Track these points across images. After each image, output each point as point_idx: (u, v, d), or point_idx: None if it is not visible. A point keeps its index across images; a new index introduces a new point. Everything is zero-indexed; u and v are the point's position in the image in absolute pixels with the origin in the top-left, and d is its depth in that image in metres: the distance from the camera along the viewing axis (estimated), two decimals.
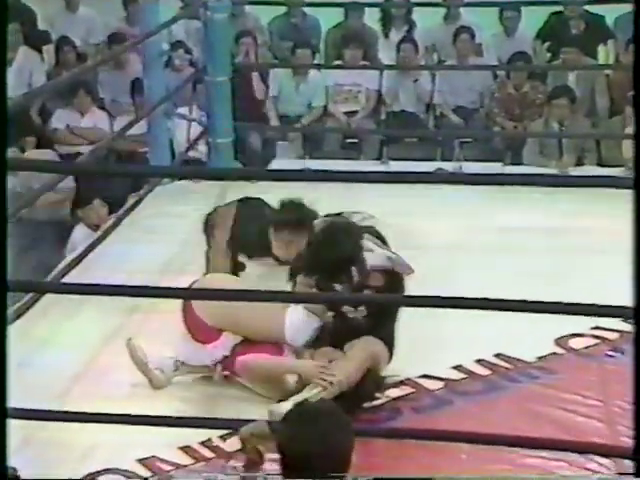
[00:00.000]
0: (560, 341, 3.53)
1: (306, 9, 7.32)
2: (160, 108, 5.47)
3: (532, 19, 6.97)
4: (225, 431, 2.94)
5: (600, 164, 5.97)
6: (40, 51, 7.16)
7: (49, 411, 2.84)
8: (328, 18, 7.40)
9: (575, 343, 3.52)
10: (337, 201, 4.09)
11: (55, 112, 6.59)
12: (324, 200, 3.85)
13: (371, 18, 7.31)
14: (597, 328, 3.56)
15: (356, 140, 6.73)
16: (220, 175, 3.99)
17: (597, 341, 3.54)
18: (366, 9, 7.21)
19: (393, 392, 3.24)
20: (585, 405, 3.17)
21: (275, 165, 5.89)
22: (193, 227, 4.83)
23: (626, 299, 2.40)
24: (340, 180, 3.31)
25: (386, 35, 7.23)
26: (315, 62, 7.00)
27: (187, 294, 3.16)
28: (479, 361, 3.42)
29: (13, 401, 2.72)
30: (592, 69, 6.59)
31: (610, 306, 2.93)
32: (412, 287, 3.32)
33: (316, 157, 6.19)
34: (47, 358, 3.49)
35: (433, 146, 6.57)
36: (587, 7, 6.81)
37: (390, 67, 6.80)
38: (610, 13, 7.03)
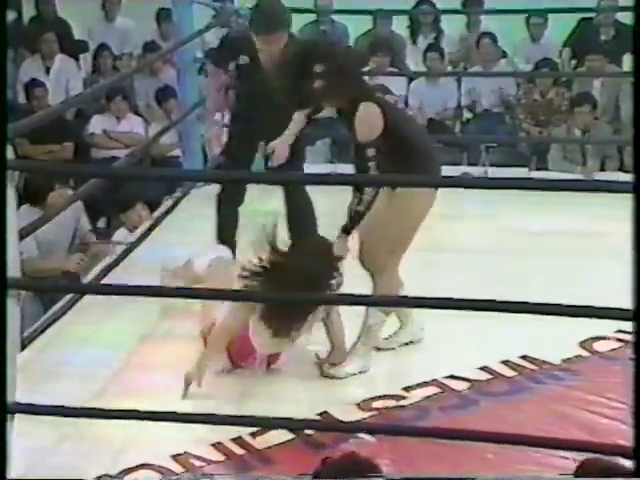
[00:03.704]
0: (585, 344, 3.51)
1: (335, 17, 7.35)
2: (194, 113, 5.51)
3: (559, 26, 6.94)
4: (255, 429, 2.95)
5: (622, 169, 5.92)
6: (77, 59, 7.24)
7: (84, 408, 2.87)
8: (357, 25, 7.42)
9: (599, 346, 3.50)
10: None
11: (92, 118, 6.65)
12: None
13: (400, 25, 7.32)
14: (621, 331, 3.54)
15: None
16: (251, 179, 3.99)
17: (621, 344, 3.52)
18: (394, 17, 7.21)
19: (421, 392, 3.23)
20: (609, 407, 3.15)
21: (305, 169, 5.89)
22: None
23: None
24: (368, 184, 3.30)
25: (414, 42, 7.24)
26: None
27: (218, 295, 3.17)
28: (505, 362, 3.41)
29: (51, 398, 2.78)
30: (616, 76, 6.54)
31: (630, 310, 2.92)
32: (451, 289, 3.32)
33: (345, 161, 6.19)
34: (85, 357, 3.52)
35: (460, 151, 6.56)
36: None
37: (418, 74, 6.80)
38: None
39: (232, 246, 4.41)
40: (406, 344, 3.57)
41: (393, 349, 3.54)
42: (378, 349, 3.47)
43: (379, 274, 3.34)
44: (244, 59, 4.34)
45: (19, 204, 3.90)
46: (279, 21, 4.04)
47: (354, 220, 3.24)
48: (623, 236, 4.45)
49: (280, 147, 4.13)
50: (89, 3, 7.57)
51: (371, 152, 3.15)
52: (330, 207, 3.76)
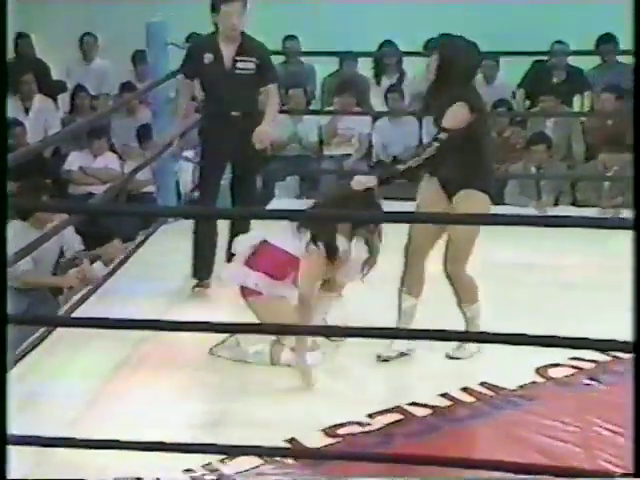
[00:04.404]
0: (540, 370, 3.53)
1: (303, 58, 7.41)
2: (167, 152, 5.50)
3: (511, 68, 7.04)
4: (224, 456, 2.93)
5: (575, 204, 6.00)
6: (55, 99, 7.23)
7: (54, 438, 2.82)
8: (324, 67, 7.49)
9: (554, 372, 3.52)
10: None
11: (69, 155, 6.63)
12: None
13: (364, 67, 7.39)
14: (575, 359, 3.56)
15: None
16: (223, 215, 4.00)
17: (575, 371, 3.54)
18: (359, 58, 7.29)
19: (384, 418, 3.23)
20: (564, 431, 3.17)
21: (275, 204, 5.91)
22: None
23: (605, 332, 2.42)
24: (336, 220, 3.34)
25: (378, 83, 7.31)
26: (311, 108, 7.06)
27: (188, 327, 3.14)
28: (464, 389, 3.41)
29: (26, 428, 2.73)
30: (568, 116, 6.65)
31: (587, 339, 2.94)
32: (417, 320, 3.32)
33: (313, 197, 6.21)
34: (59, 387, 3.48)
35: None
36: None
37: (380, 114, 6.87)
38: (587, 64, 7.14)
39: (208, 272, 4.48)
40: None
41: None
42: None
43: (457, 282, 3.69)
44: (209, 57, 4.45)
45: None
46: None
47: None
48: (577, 268, 4.52)
49: (264, 132, 4.43)
50: (68, 44, 7.58)
51: (444, 136, 3.51)
52: None
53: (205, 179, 4.65)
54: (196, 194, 5.80)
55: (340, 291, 3.83)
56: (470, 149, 3.59)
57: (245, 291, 3.68)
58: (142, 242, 5.16)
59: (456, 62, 3.58)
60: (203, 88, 4.56)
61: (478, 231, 3.62)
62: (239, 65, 4.44)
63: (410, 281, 3.72)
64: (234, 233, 4.55)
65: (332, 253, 3.60)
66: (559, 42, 6.90)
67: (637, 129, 2.22)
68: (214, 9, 4.43)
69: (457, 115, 3.53)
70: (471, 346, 3.67)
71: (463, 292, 3.74)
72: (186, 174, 6.04)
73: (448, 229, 3.65)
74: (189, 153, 5.96)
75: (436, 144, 3.52)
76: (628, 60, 7.09)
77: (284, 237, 3.65)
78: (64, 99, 7.36)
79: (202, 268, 4.53)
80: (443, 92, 3.60)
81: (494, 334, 2.89)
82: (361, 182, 3.57)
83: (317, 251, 3.58)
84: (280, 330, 3.24)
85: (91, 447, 2.67)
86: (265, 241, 3.71)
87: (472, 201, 3.60)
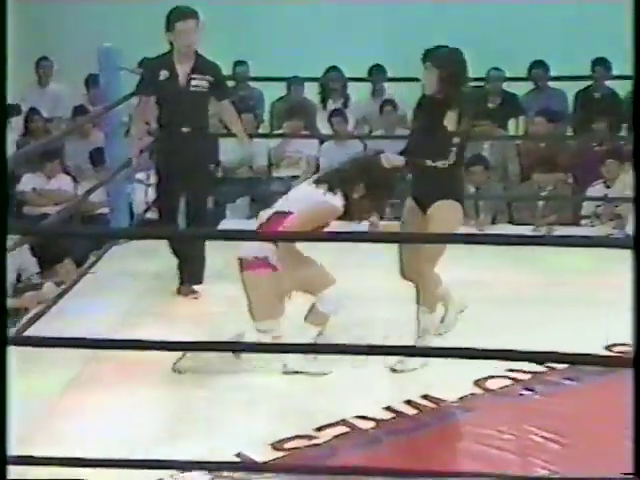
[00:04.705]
0: (479, 382, 3.57)
1: (252, 83, 7.44)
2: (121, 174, 5.47)
3: None
4: (175, 471, 2.92)
5: (511, 222, 6.10)
6: (9, 122, 7.12)
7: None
8: (272, 91, 7.52)
9: (492, 384, 3.56)
10: None
11: (23, 176, 6.55)
12: None
13: (311, 91, 7.45)
14: (511, 370, 3.62)
15: None
16: (173, 236, 3.99)
17: (511, 382, 3.59)
18: (306, 83, 7.34)
19: (331, 432, 3.24)
20: (501, 439, 3.21)
21: (225, 225, 5.90)
22: (147, 283, 4.83)
23: (539, 344, 2.46)
24: (283, 239, 3.36)
25: (324, 107, 7.37)
26: (260, 131, 7.08)
27: (137, 345, 3.12)
28: (407, 402, 3.44)
29: None
30: (504, 139, 6.77)
31: (522, 351, 3.00)
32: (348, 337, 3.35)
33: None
34: (10, 405, 3.41)
35: None
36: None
37: (327, 137, 6.92)
38: (520, 90, 7.28)
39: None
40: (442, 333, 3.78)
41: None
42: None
43: (422, 281, 3.71)
44: (164, 74, 4.52)
45: None
46: (191, 10, 4.49)
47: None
48: (507, 285, 4.58)
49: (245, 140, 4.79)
50: (21, 68, 7.49)
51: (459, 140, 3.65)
52: None
53: (163, 196, 4.71)
54: (149, 215, 5.80)
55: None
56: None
57: (246, 263, 3.66)
58: (94, 263, 5.11)
59: (459, 73, 3.67)
60: (158, 105, 4.62)
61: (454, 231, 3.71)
62: (193, 82, 4.52)
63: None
64: (182, 252, 4.59)
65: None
66: (495, 69, 7.03)
67: (637, 133, 2.17)
68: (169, 28, 4.51)
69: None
70: (414, 360, 3.71)
71: (425, 294, 3.77)
72: (139, 196, 6.00)
73: (424, 228, 3.70)
74: (142, 175, 5.93)
75: (455, 149, 3.61)
76: (558, 85, 7.26)
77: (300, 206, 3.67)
78: (18, 122, 7.26)
79: (193, 274, 4.64)
80: (443, 102, 3.64)
81: (434, 348, 2.94)
82: (389, 160, 3.65)
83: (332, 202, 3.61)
84: (238, 348, 3.23)
85: (37, 464, 2.64)
86: (278, 212, 3.71)
87: (445, 208, 3.69)
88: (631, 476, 2.14)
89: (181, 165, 4.53)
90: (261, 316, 3.66)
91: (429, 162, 3.62)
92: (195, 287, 4.69)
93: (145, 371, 3.65)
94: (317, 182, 3.73)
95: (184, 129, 4.48)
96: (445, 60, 3.68)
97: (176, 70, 4.51)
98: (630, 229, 5.66)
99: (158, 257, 4.84)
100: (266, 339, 3.58)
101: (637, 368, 2.10)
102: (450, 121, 3.62)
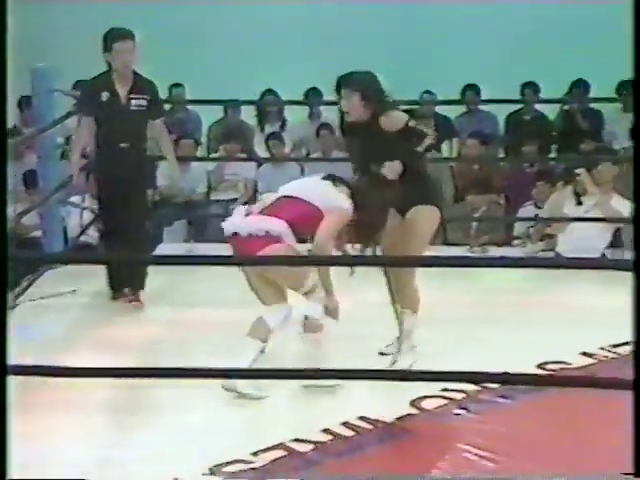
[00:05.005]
0: (415, 402, 3.60)
1: (189, 105, 7.42)
2: (54, 196, 5.39)
3: None
4: None
5: (445, 244, 6.18)
6: None
7: None
8: (209, 114, 7.52)
9: (427, 404, 3.59)
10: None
11: None
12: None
13: (248, 114, 7.46)
14: (446, 390, 3.65)
15: None
16: (106, 260, 3.94)
17: (446, 401, 3.62)
18: (243, 106, 7.35)
19: (268, 456, 3.22)
20: (436, 459, 3.23)
21: (162, 249, 5.85)
22: (81, 308, 4.76)
23: (473, 363, 2.49)
24: (218, 264, 3.36)
25: (262, 130, 7.39)
26: (198, 154, 7.06)
27: (73, 372, 3.07)
28: (344, 423, 3.44)
29: None
30: (437, 162, 6.87)
31: (457, 372, 3.04)
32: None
33: (200, 241, 6.22)
34: None
35: None
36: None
37: (265, 159, 6.94)
38: (453, 113, 7.42)
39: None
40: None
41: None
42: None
43: (406, 283, 3.81)
44: (106, 95, 4.62)
45: None
46: (128, 31, 4.60)
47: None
48: (442, 305, 4.63)
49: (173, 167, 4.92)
50: None
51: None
52: None
53: (104, 216, 4.72)
54: (84, 239, 5.72)
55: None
56: (413, 171, 3.76)
57: (254, 243, 3.53)
58: (27, 287, 5.01)
59: (380, 91, 3.73)
60: (98, 126, 4.68)
61: (431, 233, 3.85)
62: (133, 102, 4.65)
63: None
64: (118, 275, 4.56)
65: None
66: (427, 92, 7.14)
67: (637, 134, 2.17)
68: (106, 48, 4.61)
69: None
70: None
71: (405, 297, 3.87)
72: (74, 219, 5.91)
73: (404, 229, 3.78)
74: (76, 198, 5.84)
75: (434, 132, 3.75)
76: (490, 108, 7.41)
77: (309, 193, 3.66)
78: None
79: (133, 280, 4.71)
80: (371, 122, 3.70)
81: (366, 371, 2.96)
82: (393, 169, 3.67)
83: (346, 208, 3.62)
84: (170, 374, 3.18)
85: None
86: (285, 196, 3.69)
87: (422, 212, 3.80)
88: (631, 476, 2.17)
89: (122, 183, 4.60)
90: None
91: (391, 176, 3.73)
92: (134, 303, 4.71)
93: (81, 396, 3.58)
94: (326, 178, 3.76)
95: (122, 145, 4.59)
96: (362, 82, 3.74)
97: (117, 90, 4.62)
98: (560, 249, 5.79)
99: (91, 281, 4.79)
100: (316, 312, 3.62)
101: (637, 368, 2.15)
102: (391, 136, 3.68)
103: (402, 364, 3.84)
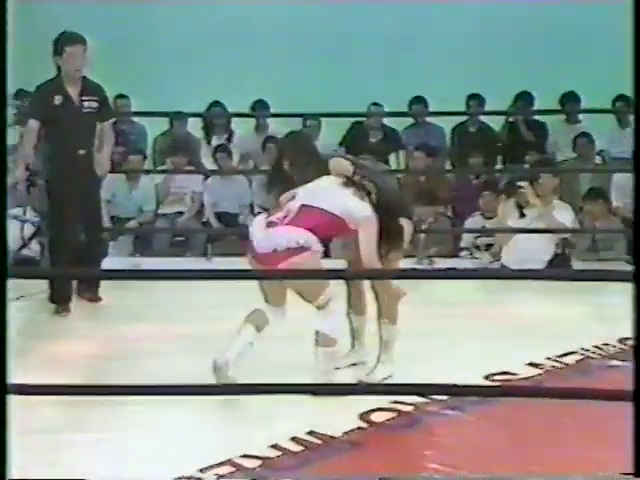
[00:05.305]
0: (364, 416, 3.57)
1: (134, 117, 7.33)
2: None
3: (332, 128, 7.24)
4: None
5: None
6: None
7: None
8: (155, 126, 7.43)
9: (377, 417, 3.56)
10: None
11: None
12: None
13: (195, 126, 7.39)
14: (395, 402, 3.63)
15: (183, 238, 6.72)
16: (51, 275, 3.85)
17: (396, 414, 3.60)
18: (189, 118, 7.28)
19: (216, 472, 3.16)
20: (386, 473, 3.20)
21: (107, 262, 5.74)
22: (21, 326, 4.63)
23: (422, 375, 2.47)
24: (162, 278, 3.30)
25: (208, 142, 7.32)
26: (145, 167, 6.97)
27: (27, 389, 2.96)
28: (293, 438, 3.40)
29: None
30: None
31: (406, 384, 3.03)
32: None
33: (146, 255, 6.14)
34: None
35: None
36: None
37: (212, 172, 6.88)
38: (401, 125, 7.46)
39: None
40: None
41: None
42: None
43: (386, 293, 3.88)
44: (59, 98, 4.67)
45: None
46: (79, 35, 4.69)
47: None
48: (414, 317, 4.61)
49: (105, 162, 4.82)
50: None
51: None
52: None
53: (55, 223, 4.71)
54: (25, 252, 5.60)
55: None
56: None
57: (273, 258, 3.53)
58: None
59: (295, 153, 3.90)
60: (50, 132, 4.69)
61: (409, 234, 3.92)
62: (85, 104, 4.71)
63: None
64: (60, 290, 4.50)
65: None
66: (375, 104, 7.17)
67: (637, 135, 2.16)
68: (57, 52, 4.66)
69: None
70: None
71: (388, 309, 3.89)
72: (14, 232, 5.76)
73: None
74: (17, 210, 5.71)
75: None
76: (436, 120, 7.47)
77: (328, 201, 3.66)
78: None
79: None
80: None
81: (314, 385, 2.92)
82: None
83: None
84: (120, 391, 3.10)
85: None
86: (304, 205, 3.66)
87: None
88: (631, 476, 2.17)
89: (78, 192, 4.64)
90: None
91: None
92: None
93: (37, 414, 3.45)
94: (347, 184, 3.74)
95: (81, 151, 4.63)
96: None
97: (69, 93, 4.66)
98: (504, 260, 5.84)
99: (33, 297, 4.67)
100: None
101: (637, 370, 2.15)
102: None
103: (378, 376, 3.87)
